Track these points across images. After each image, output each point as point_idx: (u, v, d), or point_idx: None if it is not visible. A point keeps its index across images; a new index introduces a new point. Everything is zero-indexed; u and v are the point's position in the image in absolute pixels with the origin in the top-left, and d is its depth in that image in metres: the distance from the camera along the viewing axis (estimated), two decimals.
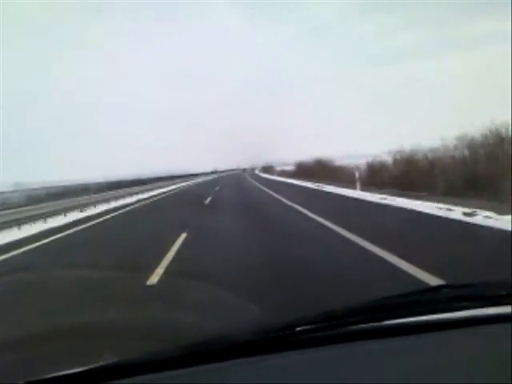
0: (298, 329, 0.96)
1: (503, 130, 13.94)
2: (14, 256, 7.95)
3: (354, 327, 0.99)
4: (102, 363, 0.88)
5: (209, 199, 19.30)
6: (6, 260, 7.63)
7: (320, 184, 23.72)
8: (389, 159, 21.40)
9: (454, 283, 1.17)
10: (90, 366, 0.86)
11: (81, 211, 17.24)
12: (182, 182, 55.55)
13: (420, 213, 9.83)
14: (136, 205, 19.67)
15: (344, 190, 18.60)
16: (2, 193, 23.03)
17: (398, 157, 19.96)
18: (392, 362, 0.90)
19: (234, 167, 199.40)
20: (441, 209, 9.88)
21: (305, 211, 11.50)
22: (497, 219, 7.68)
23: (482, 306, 1.08)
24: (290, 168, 57.06)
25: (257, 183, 36.63)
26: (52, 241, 9.75)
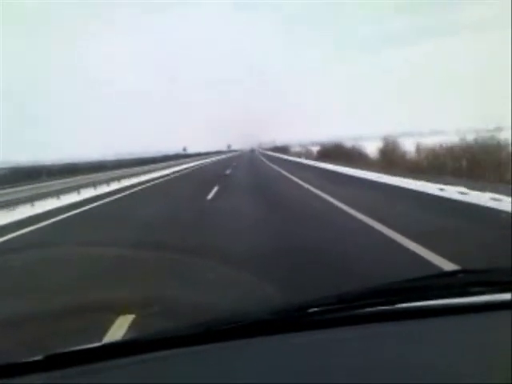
0: (311, 310, 0.97)
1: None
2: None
3: (367, 310, 0.99)
4: (118, 339, 0.90)
5: None
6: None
7: None
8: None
9: (469, 268, 1.16)
10: (107, 342, 0.88)
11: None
12: None
13: None
14: None
15: None
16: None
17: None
18: (403, 345, 0.90)
19: (223, 148, 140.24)
20: None
21: None
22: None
23: (496, 292, 1.06)
24: None
25: None
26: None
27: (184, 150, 68.61)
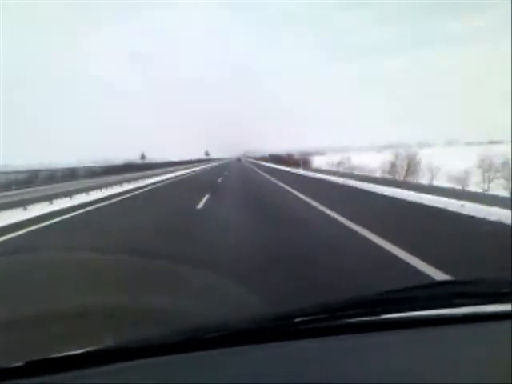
0: (297, 319, 0.96)
1: None
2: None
3: (353, 320, 0.99)
4: (101, 346, 0.88)
5: None
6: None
7: None
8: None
9: (456, 279, 1.17)
10: (89, 349, 0.86)
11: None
12: None
13: None
14: None
15: None
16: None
17: None
18: (389, 355, 0.90)
19: (201, 156, 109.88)
20: None
21: None
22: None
23: (482, 303, 1.07)
24: None
25: None
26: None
27: (142, 157, 50.73)
